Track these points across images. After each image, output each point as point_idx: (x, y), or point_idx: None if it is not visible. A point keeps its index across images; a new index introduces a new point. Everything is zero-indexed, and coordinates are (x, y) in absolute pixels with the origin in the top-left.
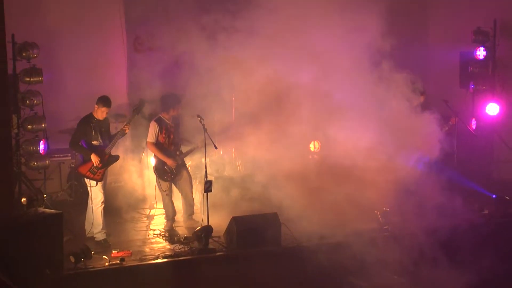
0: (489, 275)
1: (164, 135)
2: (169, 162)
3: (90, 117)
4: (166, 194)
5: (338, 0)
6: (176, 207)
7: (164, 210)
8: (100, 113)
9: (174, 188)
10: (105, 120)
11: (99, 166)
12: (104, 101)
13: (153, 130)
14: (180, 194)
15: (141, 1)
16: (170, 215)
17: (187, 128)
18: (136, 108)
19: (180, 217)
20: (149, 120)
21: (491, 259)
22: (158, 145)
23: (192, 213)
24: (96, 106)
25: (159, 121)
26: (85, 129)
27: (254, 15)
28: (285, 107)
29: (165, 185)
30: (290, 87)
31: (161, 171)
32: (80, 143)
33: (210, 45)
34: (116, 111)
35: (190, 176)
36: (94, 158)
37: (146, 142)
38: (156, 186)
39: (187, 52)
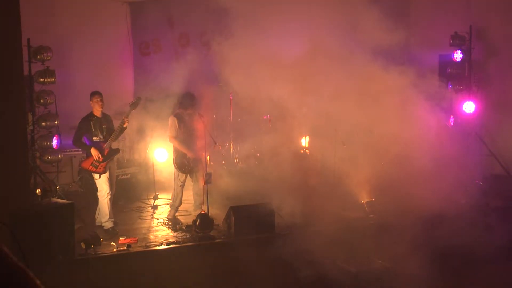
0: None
1: (183, 130)
2: (190, 154)
3: (89, 115)
4: (180, 185)
5: (323, 5)
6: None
7: (172, 198)
8: (97, 107)
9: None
10: (106, 117)
11: (100, 159)
12: (94, 92)
13: (173, 124)
14: (188, 185)
15: (146, 9)
16: (176, 205)
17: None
18: (133, 104)
19: (184, 206)
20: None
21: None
22: (179, 139)
23: (202, 202)
24: (91, 102)
25: (178, 116)
26: (85, 126)
27: (249, 21)
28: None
29: (182, 176)
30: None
31: (181, 164)
32: (81, 140)
33: (209, 48)
34: (123, 109)
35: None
36: (94, 152)
37: (168, 137)
38: (174, 177)
39: (187, 54)
